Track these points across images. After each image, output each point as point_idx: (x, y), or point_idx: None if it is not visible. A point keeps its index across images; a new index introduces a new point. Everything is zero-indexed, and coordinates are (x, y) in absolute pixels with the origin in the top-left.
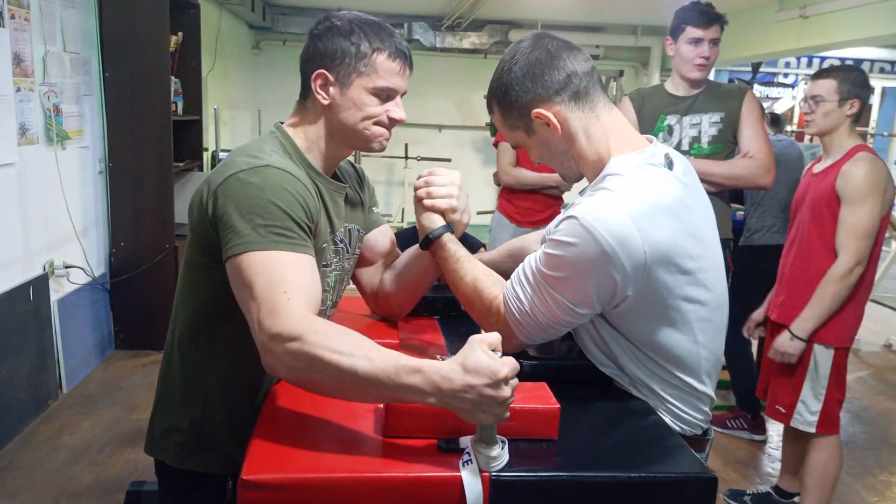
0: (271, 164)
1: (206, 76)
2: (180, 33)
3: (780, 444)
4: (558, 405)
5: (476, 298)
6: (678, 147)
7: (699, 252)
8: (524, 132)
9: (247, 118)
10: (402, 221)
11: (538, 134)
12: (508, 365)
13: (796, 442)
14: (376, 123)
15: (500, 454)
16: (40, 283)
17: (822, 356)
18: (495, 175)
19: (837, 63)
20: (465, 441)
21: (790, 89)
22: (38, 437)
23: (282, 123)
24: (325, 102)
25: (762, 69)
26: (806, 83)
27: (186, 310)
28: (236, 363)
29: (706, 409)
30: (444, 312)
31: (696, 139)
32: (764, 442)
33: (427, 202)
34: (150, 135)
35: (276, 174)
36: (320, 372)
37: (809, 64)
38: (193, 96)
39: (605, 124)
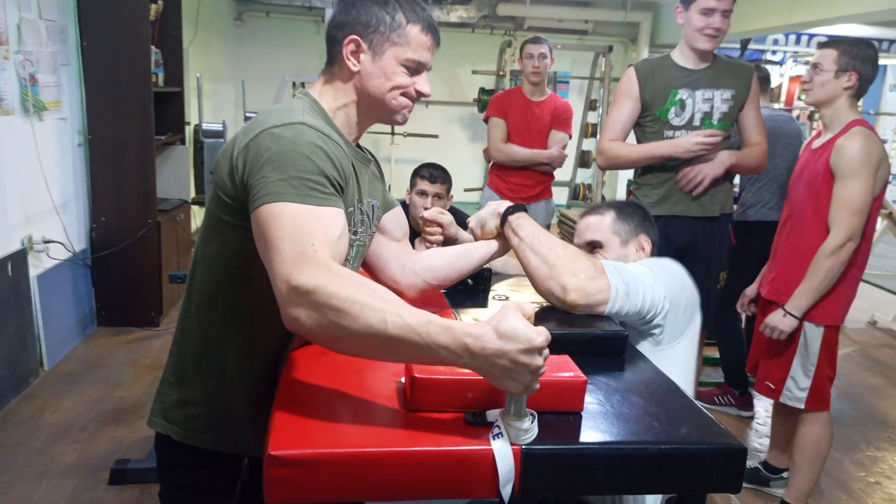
0: (305, 122)
1: (188, 47)
2: (160, 2)
3: (768, 420)
4: (585, 377)
5: (558, 248)
6: (690, 122)
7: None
8: (620, 242)
9: (229, 91)
10: None
11: (626, 249)
12: (543, 334)
13: (786, 418)
14: (403, 94)
15: (531, 427)
16: (19, 259)
17: (812, 334)
18: (485, 151)
19: (825, 39)
20: (493, 415)
21: (778, 66)
22: (19, 416)
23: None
24: (356, 69)
25: (750, 46)
26: (794, 61)
27: (208, 272)
28: (257, 331)
29: None
30: (451, 287)
31: (708, 115)
32: (751, 418)
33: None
34: (130, 106)
35: (309, 131)
36: (346, 327)
37: (798, 41)
38: (175, 67)
39: None
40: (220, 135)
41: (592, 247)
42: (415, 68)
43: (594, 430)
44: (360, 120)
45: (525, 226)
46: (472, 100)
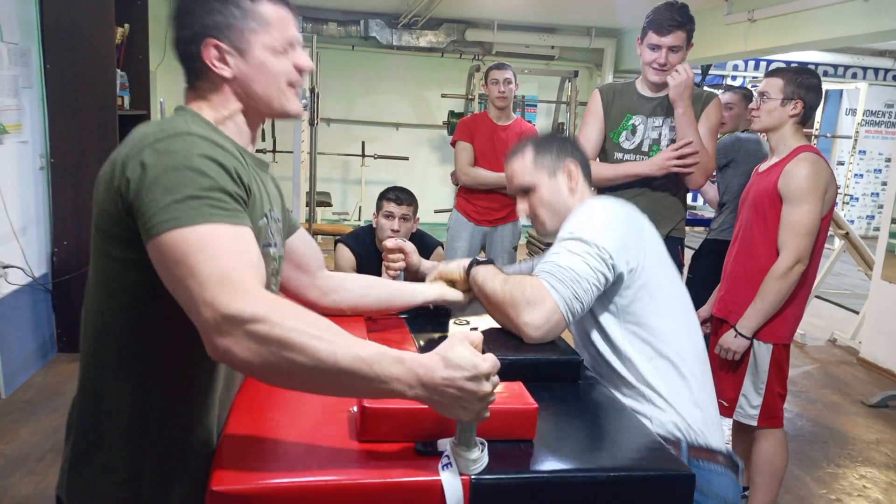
0: (192, 131)
1: (156, 70)
2: (127, 25)
3: (729, 439)
4: (536, 405)
5: (505, 288)
6: (639, 147)
7: (663, 259)
8: (546, 174)
9: None
10: (360, 220)
11: (556, 180)
12: (489, 360)
13: (744, 436)
14: (289, 82)
15: (480, 456)
16: None
17: (761, 352)
18: (453, 174)
19: (783, 65)
20: (444, 444)
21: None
22: None
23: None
24: (229, 75)
25: (711, 72)
26: (754, 86)
27: (105, 322)
28: (178, 383)
29: (708, 413)
30: (411, 312)
31: (657, 142)
32: None
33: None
34: (94, 129)
35: (198, 141)
36: (292, 360)
37: (757, 67)
38: (141, 90)
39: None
40: None
41: (525, 191)
42: (287, 47)
43: (545, 459)
44: (250, 125)
45: (481, 279)
46: (441, 122)
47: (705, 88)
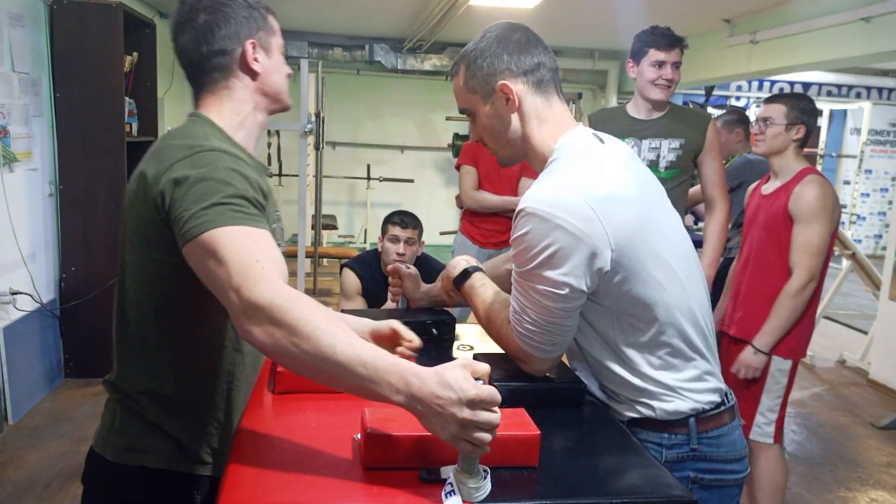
0: (214, 147)
1: (163, 97)
2: (135, 53)
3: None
4: (538, 431)
5: (491, 328)
6: None
7: (650, 210)
8: (481, 98)
9: None
10: (365, 242)
11: (493, 105)
12: (482, 390)
13: None
14: (288, 81)
15: (483, 484)
16: None
17: (780, 368)
18: (457, 198)
19: (787, 86)
20: (447, 471)
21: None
22: None
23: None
24: (260, 70)
25: (715, 92)
26: (758, 106)
27: (145, 313)
28: (208, 360)
29: (708, 373)
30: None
31: (654, 163)
32: None
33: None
34: (102, 156)
35: (222, 157)
36: (297, 345)
37: (760, 87)
38: (149, 117)
39: (556, 114)
40: None
41: (468, 114)
42: (284, 52)
43: (547, 485)
44: (258, 125)
45: (472, 300)
46: (446, 145)
47: (709, 109)
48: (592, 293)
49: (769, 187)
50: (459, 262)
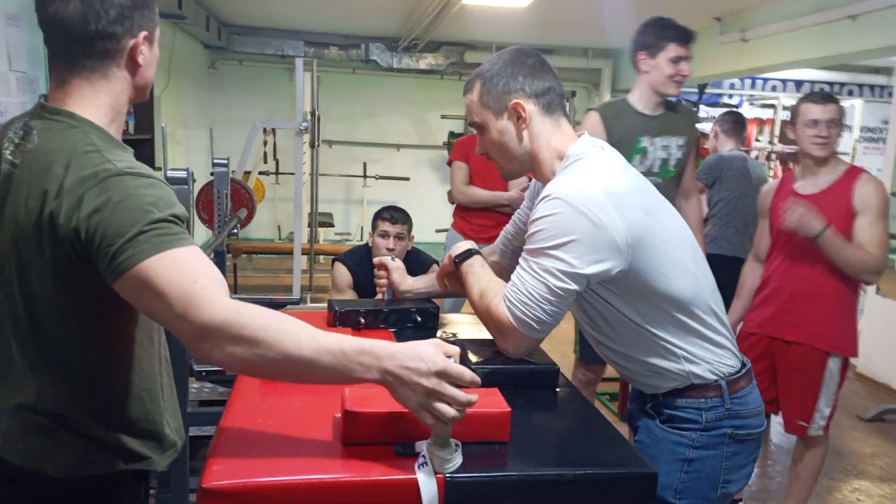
0: (121, 171)
1: (160, 95)
2: None
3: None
4: (509, 409)
5: (482, 303)
6: (649, 170)
7: (653, 208)
8: (493, 114)
9: (202, 137)
10: (362, 240)
11: (505, 121)
12: (452, 365)
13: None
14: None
15: (454, 456)
16: None
17: (836, 366)
18: (449, 193)
19: (779, 84)
20: (421, 445)
21: (735, 109)
22: None
23: (45, 102)
24: (143, 62)
25: (707, 90)
26: (751, 104)
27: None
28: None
29: (726, 344)
30: (399, 325)
31: (666, 161)
32: None
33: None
34: None
35: (129, 179)
36: (263, 356)
37: (753, 85)
38: (145, 115)
39: (564, 133)
40: (183, 181)
41: (478, 128)
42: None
43: (517, 459)
44: (123, 119)
45: (468, 278)
46: (441, 143)
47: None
48: (613, 286)
49: (807, 186)
50: (463, 244)
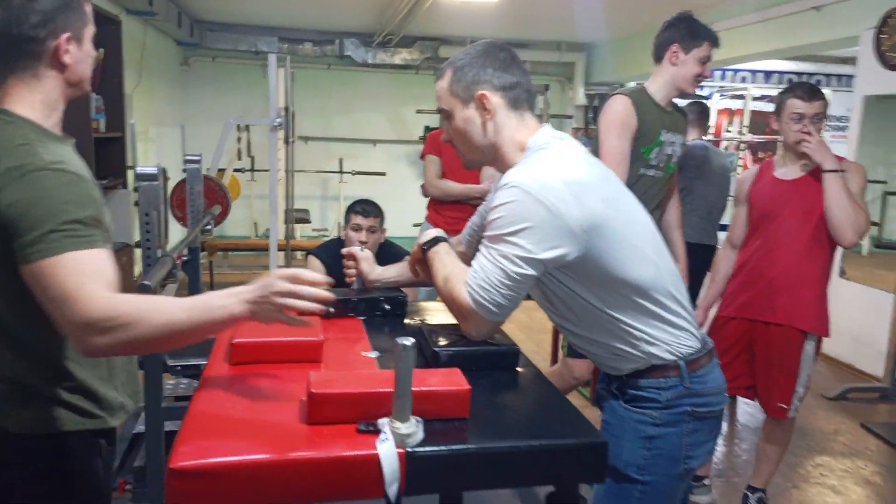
0: (46, 166)
1: (132, 93)
2: (101, 49)
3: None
4: (469, 386)
5: (445, 288)
6: (659, 165)
7: (612, 198)
8: (461, 102)
9: (175, 134)
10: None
11: (470, 111)
12: (290, 270)
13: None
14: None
15: (415, 431)
16: None
17: (812, 347)
18: (423, 187)
19: (749, 75)
20: (384, 423)
21: (706, 101)
22: None
23: None
24: (70, 61)
25: None
26: (721, 96)
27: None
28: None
29: (685, 326)
30: (369, 313)
31: (670, 158)
32: None
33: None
34: None
35: (52, 176)
36: (140, 336)
37: (723, 76)
38: (116, 113)
39: (529, 127)
40: (153, 178)
41: (445, 115)
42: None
43: (476, 433)
44: (62, 112)
45: (434, 264)
46: (417, 138)
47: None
48: (572, 272)
49: (789, 172)
50: (431, 232)
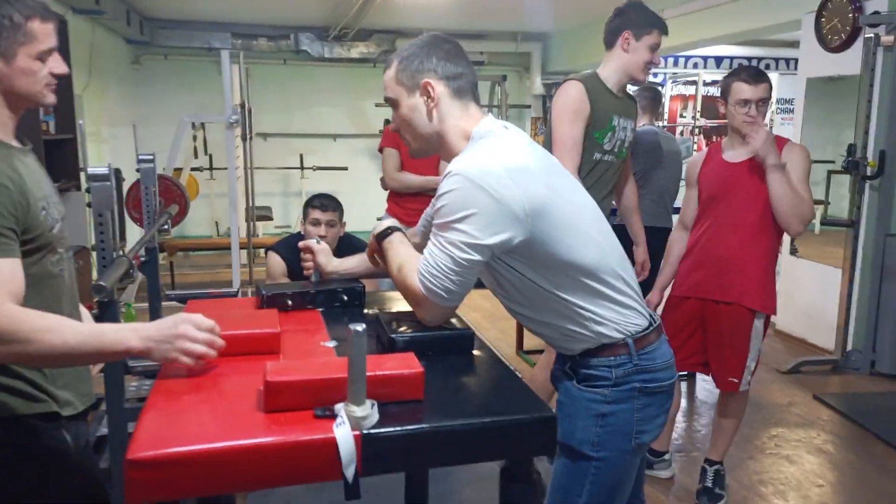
0: None
1: (82, 93)
2: None
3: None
4: (422, 369)
5: (399, 277)
6: (612, 150)
7: (554, 183)
8: (406, 91)
9: (128, 134)
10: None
11: (416, 99)
12: (189, 315)
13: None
14: (46, 84)
15: (370, 414)
16: None
17: (760, 324)
18: (382, 180)
19: (700, 61)
20: (339, 408)
21: (660, 87)
22: None
23: None
24: (2, 76)
25: None
26: (674, 82)
27: None
28: None
29: (633, 304)
30: (327, 304)
31: (623, 142)
32: None
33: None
34: None
35: None
36: (34, 353)
37: (676, 63)
38: (66, 115)
39: (472, 117)
40: (105, 178)
41: (392, 104)
42: (46, 55)
43: (429, 414)
44: (11, 115)
45: (387, 254)
46: (377, 132)
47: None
48: (520, 255)
49: (737, 155)
50: (385, 222)
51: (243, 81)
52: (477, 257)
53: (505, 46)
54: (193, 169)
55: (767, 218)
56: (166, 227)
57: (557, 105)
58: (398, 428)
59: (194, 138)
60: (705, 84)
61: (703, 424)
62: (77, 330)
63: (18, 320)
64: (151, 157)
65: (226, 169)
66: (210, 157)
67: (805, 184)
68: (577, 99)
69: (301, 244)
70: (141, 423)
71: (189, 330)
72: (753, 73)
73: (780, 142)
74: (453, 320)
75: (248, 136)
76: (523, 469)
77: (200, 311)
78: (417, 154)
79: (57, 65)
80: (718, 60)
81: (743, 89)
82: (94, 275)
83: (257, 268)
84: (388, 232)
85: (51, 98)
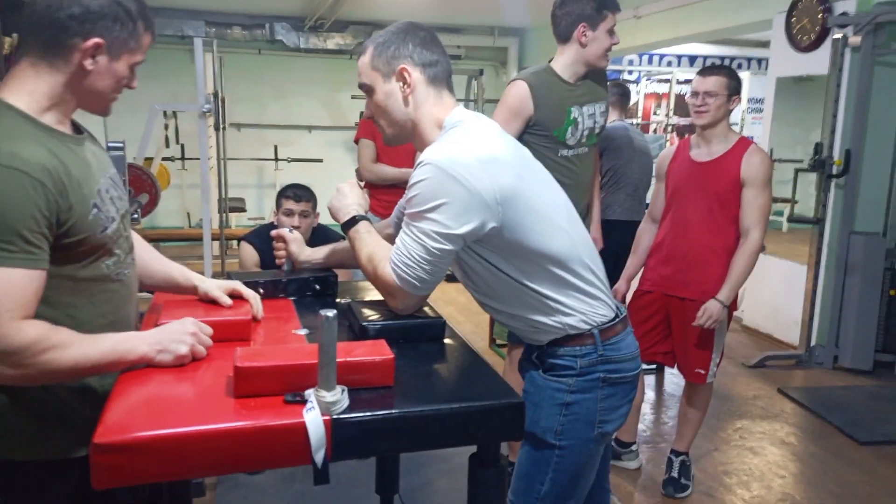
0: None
1: None
2: (15, 35)
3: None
4: (392, 355)
5: (369, 266)
6: (580, 141)
7: (524, 173)
8: (381, 77)
9: (98, 123)
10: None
11: (391, 85)
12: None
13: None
14: (118, 91)
15: (340, 399)
16: None
17: (725, 319)
18: (358, 171)
19: (675, 59)
20: (309, 393)
21: (634, 85)
22: None
23: None
24: (91, 69)
25: (609, 67)
26: (648, 80)
27: None
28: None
29: (600, 295)
30: (299, 293)
31: (591, 130)
32: None
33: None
34: None
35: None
36: (57, 370)
37: (650, 61)
38: None
39: (445, 104)
40: (120, 148)
41: (367, 90)
42: (135, 69)
43: (400, 399)
44: (72, 108)
45: (355, 244)
46: (353, 124)
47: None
48: (490, 245)
49: (702, 154)
50: (350, 209)
51: (217, 71)
52: (449, 246)
53: (482, 41)
54: (165, 158)
55: (727, 218)
56: (136, 216)
57: (500, 102)
58: (368, 413)
59: (166, 127)
60: (679, 82)
61: (671, 416)
62: (93, 344)
63: (31, 340)
64: (122, 144)
65: (198, 159)
66: (182, 146)
67: (762, 194)
68: (517, 98)
69: (273, 233)
70: (108, 408)
71: (197, 328)
72: (708, 68)
73: (744, 144)
74: (426, 308)
75: (222, 126)
76: (492, 454)
77: (171, 300)
78: (391, 141)
79: (135, 79)
80: (692, 59)
81: (694, 81)
82: None
83: (230, 259)
84: (352, 222)
85: (110, 110)
